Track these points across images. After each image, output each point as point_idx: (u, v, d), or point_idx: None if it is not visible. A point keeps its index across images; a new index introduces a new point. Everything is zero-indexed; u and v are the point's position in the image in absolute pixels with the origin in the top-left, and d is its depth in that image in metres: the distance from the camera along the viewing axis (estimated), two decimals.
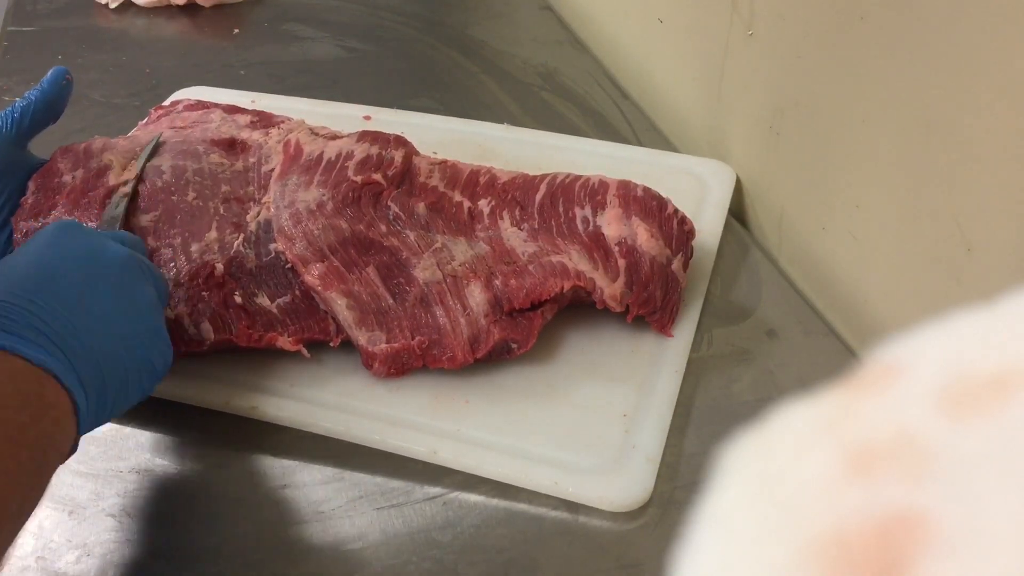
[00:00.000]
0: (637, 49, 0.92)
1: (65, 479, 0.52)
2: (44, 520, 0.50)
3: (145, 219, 0.61)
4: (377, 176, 0.64)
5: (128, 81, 0.88)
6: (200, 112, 0.72)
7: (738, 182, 0.76)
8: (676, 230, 0.62)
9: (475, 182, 0.66)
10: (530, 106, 0.87)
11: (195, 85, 0.86)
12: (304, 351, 0.56)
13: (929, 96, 0.55)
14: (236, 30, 0.98)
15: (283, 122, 0.71)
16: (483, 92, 0.89)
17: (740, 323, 0.63)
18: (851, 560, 0.14)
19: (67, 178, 0.62)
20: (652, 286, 0.59)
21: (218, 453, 0.54)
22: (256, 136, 0.69)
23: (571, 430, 0.54)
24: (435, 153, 0.71)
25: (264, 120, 0.71)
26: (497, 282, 0.58)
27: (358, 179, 0.63)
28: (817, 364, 0.60)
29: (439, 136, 0.77)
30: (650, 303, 0.58)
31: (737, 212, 0.75)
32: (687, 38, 0.83)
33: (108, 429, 0.55)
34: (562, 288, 0.57)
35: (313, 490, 0.52)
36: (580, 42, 0.99)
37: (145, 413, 0.55)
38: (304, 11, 1.03)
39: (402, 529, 0.50)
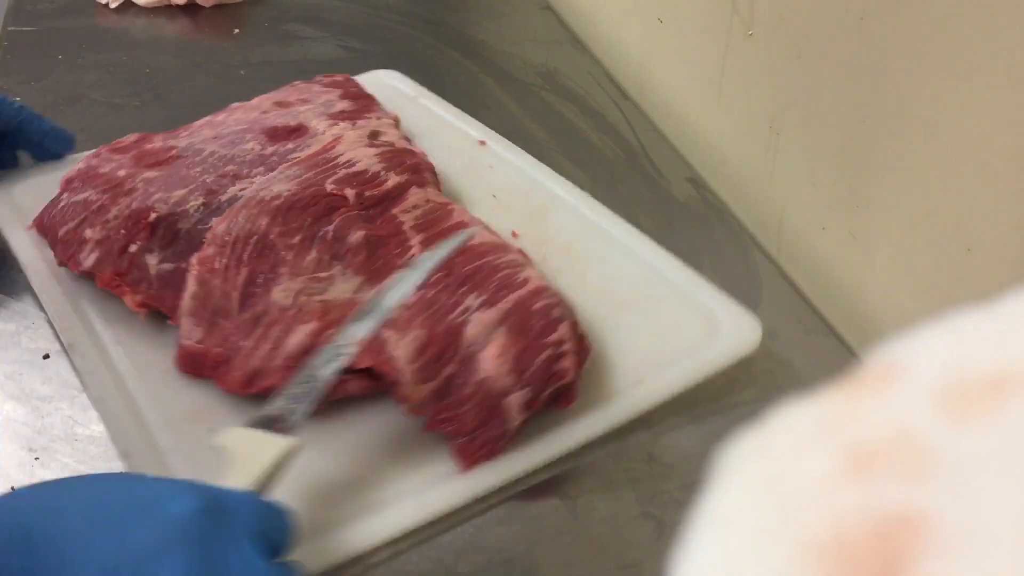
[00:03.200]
0: (637, 49, 0.92)
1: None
2: None
3: (154, 172, 0.65)
4: (348, 192, 0.62)
5: (128, 81, 0.88)
6: (319, 89, 0.77)
7: (738, 183, 0.76)
8: (540, 364, 0.52)
9: (443, 236, 0.60)
10: (530, 106, 0.87)
11: (201, 83, 0.86)
12: (143, 313, 0.57)
13: (929, 96, 0.55)
14: (236, 30, 0.98)
15: (379, 117, 0.72)
16: (483, 92, 0.89)
17: None
18: (851, 560, 0.14)
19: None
20: (465, 408, 0.50)
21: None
22: (323, 125, 0.70)
23: None
24: (494, 196, 0.70)
25: (365, 109, 0.73)
26: (329, 332, 0.53)
27: (330, 188, 0.62)
28: (817, 364, 0.60)
29: (511, 182, 0.72)
30: (453, 424, 0.50)
31: (737, 212, 0.75)
32: (687, 38, 0.83)
33: (106, 430, 0.55)
34: (363, 364, 0.51)
35: None
36: (580, 42, 0.99)
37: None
38: (304, 11, 1.03)
39: None
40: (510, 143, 0.76)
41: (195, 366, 0.55)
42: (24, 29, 0.96)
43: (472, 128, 0.78)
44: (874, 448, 0.15)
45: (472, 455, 0.50)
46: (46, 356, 0.58)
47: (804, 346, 0.62)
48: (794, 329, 0.63)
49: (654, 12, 0.87)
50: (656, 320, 0.59)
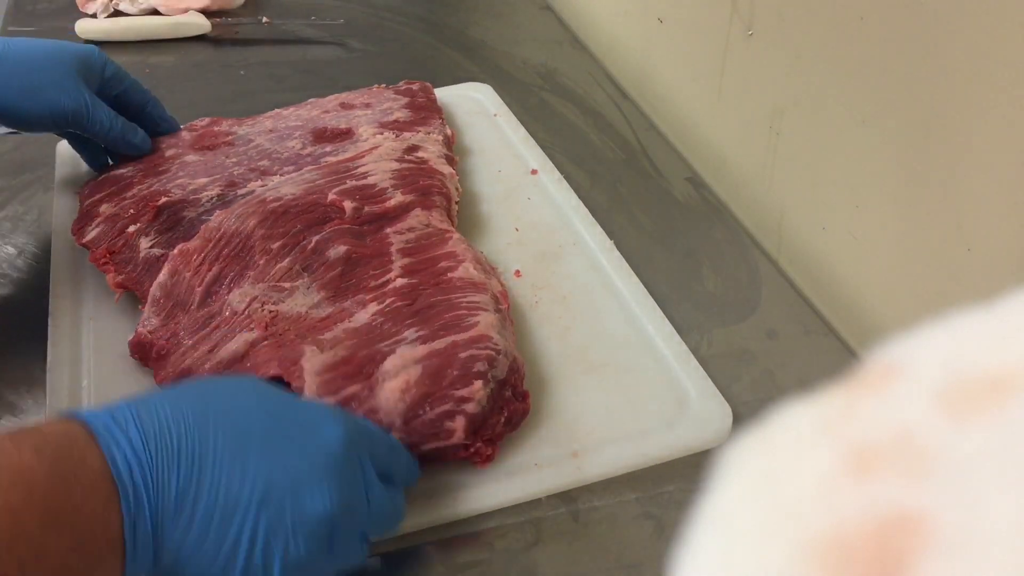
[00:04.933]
0: (637, 49, 0.92)
1: None
2: None
3: (198, 156, 0.67)
4: (348, 204, 0.60)
5: None
6: (389, 95, 0.77)
7: (738, 183, 0.76)
8: (432, 416, 0.48)
9: (428, 265, 0.58)
10: (530, 106, 0.87)
11: (201, 83, 0.86)
12: (119, 294, 0.58)
13: (929, 96, 0.55)
14: (236, 30, 0.98)
15: (429, 131, 0.71)
16: None
17: (740, 323, 0.63)
18: (851, 560, 0.14)
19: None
20: None
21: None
22: (368, 133, 0.70)
23: None
24: (517, 230, 0.68)
25: (420, 122, 0.72)
26: (263, 344, 0.52)
27: (331, 198, 0.61)
28: (817, 364, 0.60)
29: (540, 217, 0.69)
30: None
31: (737, 212, 0.75)
32: (687, 38, 0.83)
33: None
34: (272, 373, 0.50)
35: None
36: (580, 42, 0.99)
37: None
38: (304, 11, 1.03)
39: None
40: (561, 177, 0.73)
41: (143, 354, 0.55)
42: (24, 29, 0.96)
43: (531, 155, 0.76)
44: (874, 448, 0.15)
45: None
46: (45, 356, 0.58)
47: (804, 346, 0.62)
48: (794, 329, 0.63)
49: (654, 12, 0.87)
50: (622, 392, 0.55)
